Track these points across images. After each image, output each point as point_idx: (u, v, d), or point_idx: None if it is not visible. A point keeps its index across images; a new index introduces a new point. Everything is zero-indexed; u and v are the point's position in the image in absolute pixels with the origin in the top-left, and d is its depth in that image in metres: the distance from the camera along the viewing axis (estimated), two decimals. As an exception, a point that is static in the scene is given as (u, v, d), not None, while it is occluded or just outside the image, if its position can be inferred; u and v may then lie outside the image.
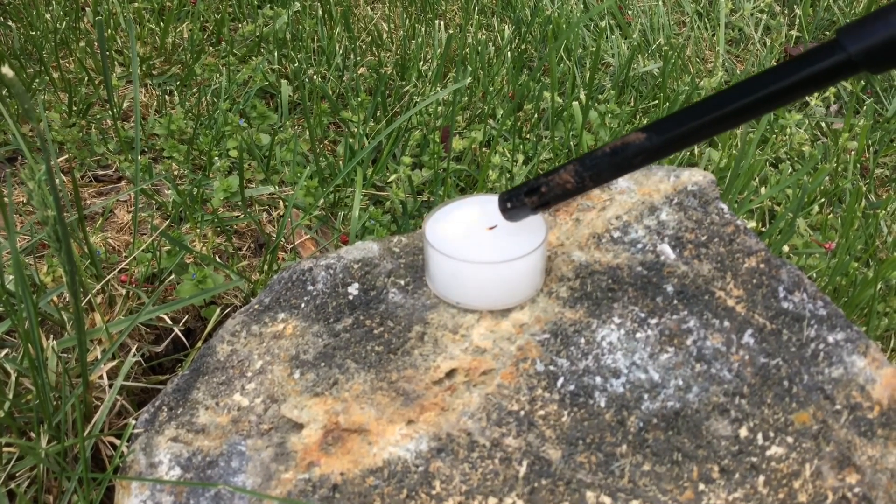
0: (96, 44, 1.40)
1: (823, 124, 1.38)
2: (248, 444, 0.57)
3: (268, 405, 0.59)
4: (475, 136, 1.18)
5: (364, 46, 1.52)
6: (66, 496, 0.59)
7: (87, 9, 1.53)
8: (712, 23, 1.72)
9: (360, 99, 1.26)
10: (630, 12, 1.73)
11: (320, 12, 1.55)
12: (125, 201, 1.05)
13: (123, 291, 0.80)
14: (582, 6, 1.73)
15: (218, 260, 0.91)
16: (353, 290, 0.67)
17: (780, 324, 0.62)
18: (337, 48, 1.46)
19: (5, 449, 0.60)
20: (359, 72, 1.42)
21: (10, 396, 0.62)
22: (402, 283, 0.67)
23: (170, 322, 0.79)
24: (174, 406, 0.60)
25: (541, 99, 1.31)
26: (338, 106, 1.30)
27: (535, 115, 1.30)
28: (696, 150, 1.25)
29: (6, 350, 0.68)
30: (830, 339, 0.61)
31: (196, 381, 0.62)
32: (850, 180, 1.19)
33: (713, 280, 0.65)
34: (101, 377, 0.67)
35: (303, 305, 0.66)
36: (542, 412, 0.57)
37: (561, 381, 0.59)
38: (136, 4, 1.55)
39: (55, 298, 0.76)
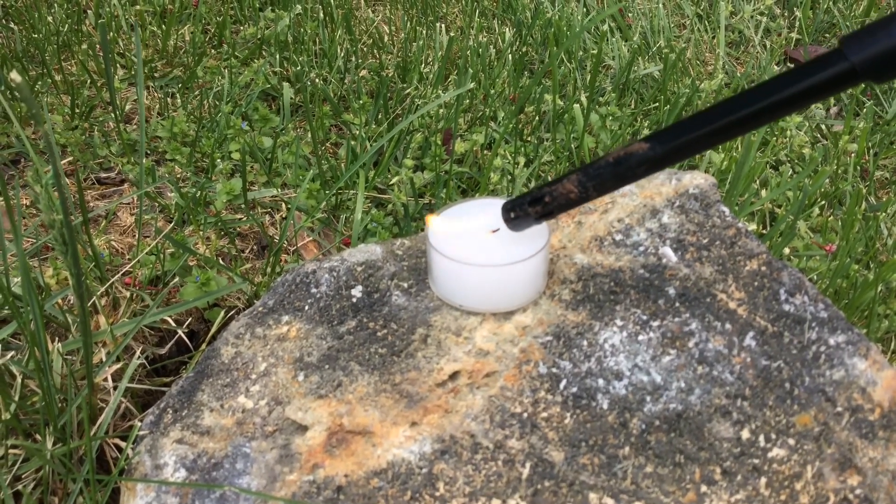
0: (98, 46, 1.40)
1: (823, 127, 1.39)
2: (252, 445, 0.57)
3: (272, 407, 0.59)
4: (477, 139, 1.19)
5: (365, 49, 1.53)
6: (71, 498, 0.59)
7: (88, 11, 1.54)
8: (712, 25, 1.72)
9: (361, 101, 1.26)
10: (630, 15, 1.74)
11: (322, 15, 1.55)
12: (128, 204, 1.05)
13: (127, 294, 0.81)
14: (583, 8, 1.74)
15: (221, 262, 0.92)
16: (357, 292, 0.67)
17: (781, 326, 0.63)
18: (338, 51, 1.46)
19: (11, 451, 0.61)
20: (360, 74, 1.42)
21: (16, 398, 0.62)
22: (406, 285, 0.68)
23: (174, 324, 0.80)
24: (179, 408, 0.60)
25: (542, 101, 1.32)
26: (339, 108, 1.30)
27: (537, 118, 1.30)
28: (697, 152, 1.25)
29: (12, 352, 0.69)
30: (832, 341, 0.62)
31: (200, 383, 0.62)
32: (850, 182, 1.20)
33: (715, 283, 0.66)
34: (105, 379, 0.68)
35: (306, 308, 0.67)
36: (544, 414, 0.58)
37: (563, 383, 0.59)
38: (138, 7, 1.56)
39: (60, 301, 0.76)
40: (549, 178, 1.16)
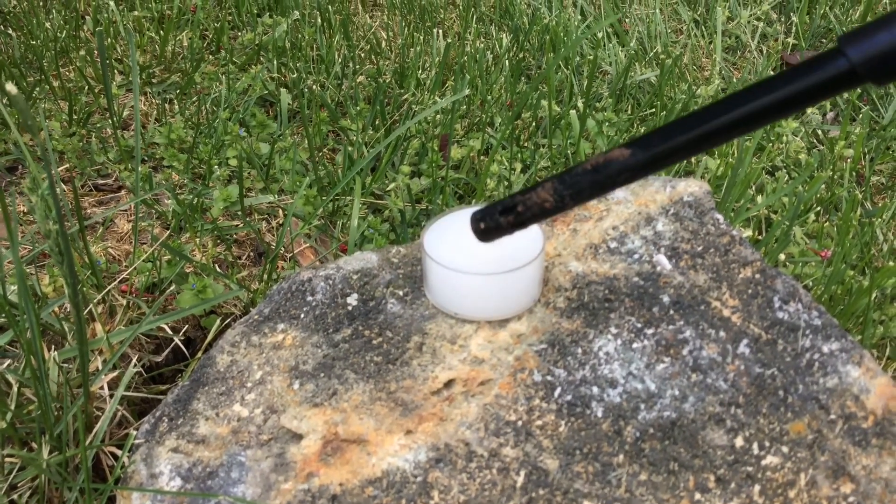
0: (96, 52, 1.40)
1: (820, 132, 1.39)
2: (247, 454, 0.57)
3: (267, 416, 0.60)
4: (473, 145, 1.19)
5: (363, 55, 1.53)
6: (67, 506, 0.60)
7: (87, 18, 1.54)
8: (709, 31, 1.73)
9: (359, 107, 1.27)
10: (627, 21, 1.74)
11: (319, 21, 1.55)
12: (125, 211, 1.05)
13: (124, 301, 0.81)
14: (579, 15, 1.74)
15: (218, 269, 0.92)
16: (352, 300, 0.68)
17: (775, 334, 0.63)
18: (336, 57, 1.46)
19: (7, 459, 0.61)
20: (358, 80, 1.42)
21: (12, 407, 0.62)
22: (401, 293, 0.68)
23: (170, 332, 0.80)
24: (174, 416, 0.61)
25: (539, 107, 1.32)
26: (337, 114, 1.31)
27: (533, 124, 1.31)
28: (694, 158, 1.26)
29: (8, 361, 0.69)
30: (825, 349, 0.62)
31: (196, 391, 0.62)
32: (846, 188, 1.20)
33: (709, 290, 0.66)
34: (102, 387, 0.68)
35: (302, 316, 0.67)
36: (539, 422, 0.58)
37: (558, 391, 0.60)
38: (136, 13, 1.56)
39: (56, 309, 0.76)
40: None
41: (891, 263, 1.01)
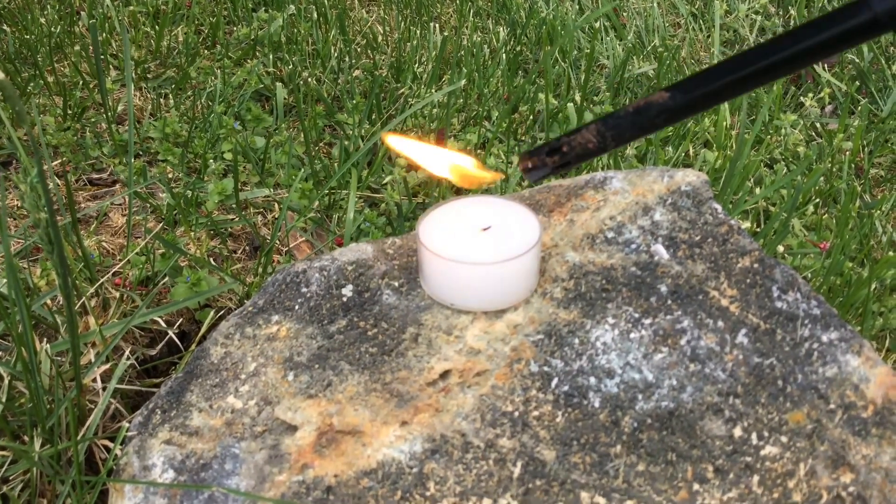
0: (91, 48, 1.40)
1: (818, 125, 1.39)
2: (241, 446, 0.57)
3: (261, 407, 0.59)
4: (470, 139, 1.19)
5: (359, 49, 1.52)
6: (59, 499, 0.59)
7: (81, 13, 1.53)
8: (707, 24, 1.72)
9: (355, 101, 1.26)
10: (625, 14, 1.74)
11: (315, 15, 1.55)
12: (119, 204, 1.05)
13: (117, 294, 0.80)
14: (577, 7, 1.74)
15: (212, 263, 0.91)
16: (347, 291, 0.67)
17: (773, 323, 0.62)
18: (332, 51, 1.46)
19: (-2, 453, 0.60)
20: (354, 74, 1.42)
21: (4, 400, 0.62)
22: (396, 284, 0.67)
23: (164, 325, 0.79)
24: (168, 409, 0.60)
25: (536, 101, 1.32)
26: (333, 108, 1.30)
27: (531, 117, 1.30)
28: (692, 150, 1.25)
29: (-1, 353, 0.68)
30: (824, 338, 0.61)
31: (190, 383, 0.62)
32: (844, 180, 1.19)
33: (707, 280, 0.65)
34: (94, 380, 0.67)
35: (297, 307, 0.66)
36: (536, 413, 0.57)
37: (555, 381, 0.59)
38: (131, 8, 1.55)
39: (49, 301, 0.75)
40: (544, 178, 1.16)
41: (890, 254, 1.00)
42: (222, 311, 0.85)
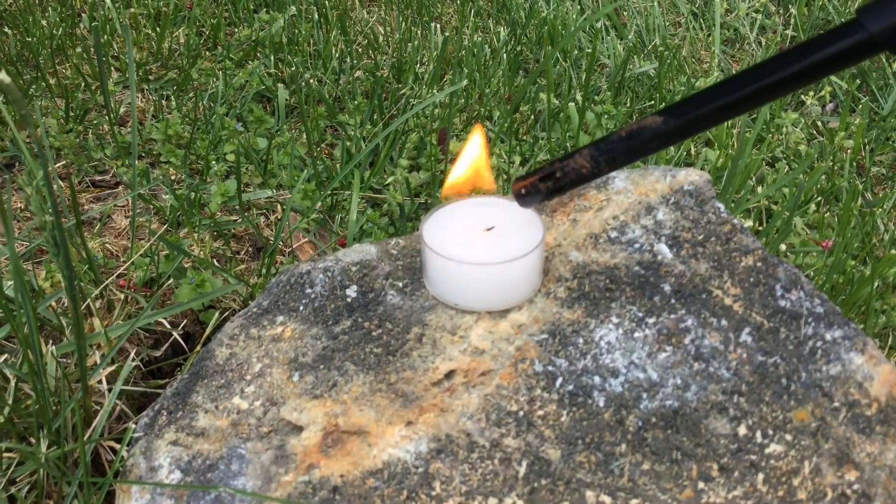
0: (93, 50, 1.40)
1: (819, 123, 1.39)
2: (247, 446, 0.57)
3: (267, 408, 0.59)
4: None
5: (360, 50, 1.53)
6: (66, 501, 0.59)
7: (83, 15, 1.54)
8: (707, 23, 1.72)
9: (356, 102, 1.26)
10: (625, 13, 1.74)
11: (316, 16, 1.55)
12: (123, 206, 1.05)
13: (122, 296, 0.80)
14: (578, 7, 1.74)
15: (216, 264, 0.92)
16: (352, 292, 0.67)
17: (777, 322, 0.62)
18: (333, 52, 1.46)
19: (5, 454, 0.60)
20: (355, 75, 1.42)
21: (10, 402, 0.62)
22: (400, 284, 0.68)
23: (168, 326, 0.79)
24: (174, 410, 0.60)
25: (537, 100, 1.32)
26: (335, 109, 1.30)
27: (532, 117, 1.30)
28: (693, 149, 1.25)
29: (5, 355, 0.68)
30: (828, 336, 0.61)
31: (195, 384, 0.62)
32: (846, 178, 1.19)
33: (710, 279, 0.66)
34: (100, 382, 0.67)
35: (301, 308, 0.66)
36: (541, 412, 0.57)
37: (559, 381, 0.59)
38: (132, 10, 1.55)
39: (54, 303, 0.76)
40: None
41: (892, 252, 1.00)
42: (226, 313, 0.86)
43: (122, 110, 1.27)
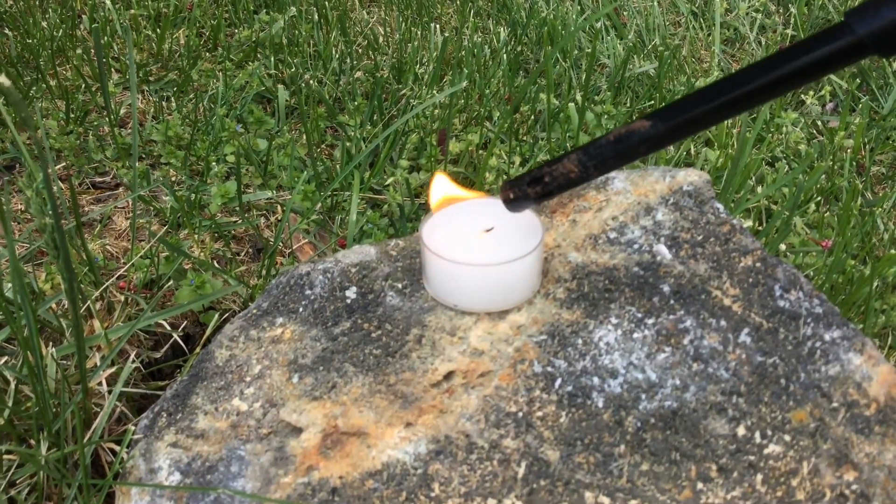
0: (93, 51, 1.40)
1: (819, 123, 1.39)
2: (247, 448, 0.57)
3: (267, 409, 0.59)
4: (472, 139, 1.19)
5: (360, 50, 1.53)
6: (66, 503, 0.59)
7: (83, 16, 1.54)
8: (707, 23, 1.72)
9: (356, 103, 1.26)
10: (625, 13, 1.74)
11: (316, 17, 1.55)
12: (123, 208, 1.05)
13: (122, 298, 0.80)
14: (577, 7, 1.74)
15: (216, 265, 0.92)
16: (351, 293, 0.67)
17: (776, 322, 0.62)
18: (333, 52, 1.46)
19: (5, 456, 0.60)
20: (355, 76, 1.42)
21: (10, 404, 0.62)
22: (400, 286, 0.68)
23: (169, 328, 0.79)
24: (173, 412, 0.60)
25: (537, 101, 1.32)
26: (335, 110, 1.30)
27: (532, 117, 1.30)
28: (693, 149, 1.25)
29: (5, 358, 0.69)
30: (827, 336, 0.62)
31: (195, 386, 0.62)
32: (846, 178, 1.19)
33: (709, 279, 0.66)
34: (100, 383, 0.67)
35: (301, 310, 0.66)
36: (540, 413, 0.57)
37: (559, 381, 0.59)
38: (132, 11, 1.55)
39: (54, 305, 0.76)
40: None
41: (892, 252, 1.00)
42: (226, 314, 0.86)
43: (122, 112, 1.27)
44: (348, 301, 0.67)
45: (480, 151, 1.20)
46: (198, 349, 0.78)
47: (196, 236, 0.95)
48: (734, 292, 0.65)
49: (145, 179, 1.06)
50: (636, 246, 0.69)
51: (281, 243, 0.96)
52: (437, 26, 1.58)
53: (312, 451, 0.56)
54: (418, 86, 1.38)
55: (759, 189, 1.16)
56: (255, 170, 1.13)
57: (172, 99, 1.32)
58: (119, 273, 0.86)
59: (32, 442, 0.61)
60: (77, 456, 0.62)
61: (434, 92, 1.34)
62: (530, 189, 0.58)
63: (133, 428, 0.60)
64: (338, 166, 1.15)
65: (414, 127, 1.24)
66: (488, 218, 0.66)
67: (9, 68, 1.30)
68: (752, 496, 0.53)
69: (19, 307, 0.61)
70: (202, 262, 0.87)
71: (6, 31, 1.43)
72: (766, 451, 0.55)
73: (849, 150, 1.26)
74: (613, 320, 0.63)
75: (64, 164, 1.13)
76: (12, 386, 0.63)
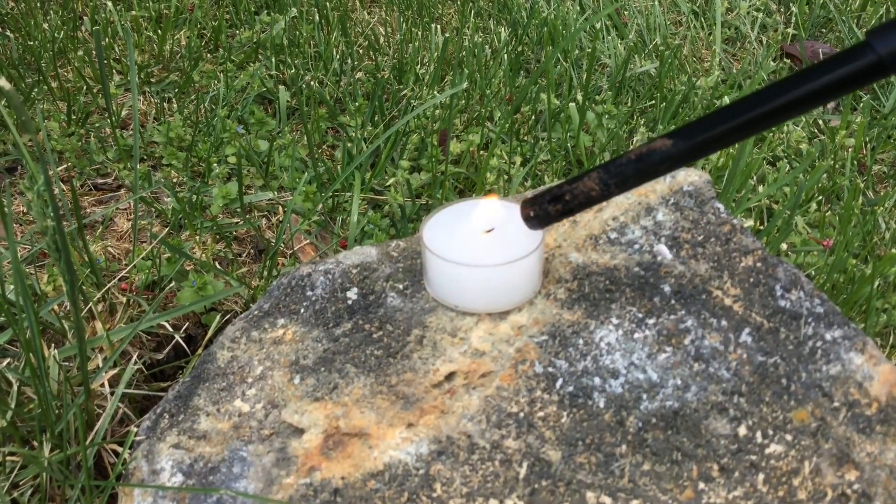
0: (94, 53, 1.40)
1: (820, 122, 1.39)
2: (249, 449, 0.57)
3: (268, 410, 0.59)
4: (473, 139, 1.19)
5: (361, 51, 1.53)
6: (69, 504, 0.59)
7: (84, 18, 1.54)
8: (708, 22, 1.72)
9: (357, 103, 1.26)
10: (626, 13, 1.74)
11: (317, 18, 1.55)
12: (125, 209, 1.05)
13: (124, 299, 0.81)
14: (578, 7, 1.74)
15: (218, 266, 0.92)
16: (352, 294, 0.67)
17: (777, 322, 0.62)
18: (334, 53, 1.46)
19: (8, 458, 0.61)
20: (356, 76, 1.42)
21: (13, 406, 0.62)
22: (401, 287, 0.68)
23: (170, 329, 0.80)
24: (175, 413, 0.60)
25: (538, 101, 1.32)
26: (336, 111, 1.30)
27: (533, 117, 1.30)
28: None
29: (8, 360, 0.69)
30: (828, 336, 0.62)
31: (197, 387, 0.62)
32: (847, 177, 1.19)
33: (710, 279, 0.66)
34: (102, 385, 0.68)
35: (302, 311, 0.67)
36: (541, 413, 0.58)
37: (560, 382, 0.59)
38: (133, 13, 1.56)
39: (56, 307, 0.76)
40: (546, 178, 1.16)
41: (893, 251, 1.00)
42: (228, 315, 0.86)
43: (123, 113, 1.27)
44: (349, 302, 0.67)
45: (481, 152, 1.20)
46: (200, 350, 0.78)
47: (198, 237, 0.96)
48: (735, 292, 0.65)
49: (147, 181, 1.07)
50: (637, 246, 0.69)
51: (282, 244, 0.97)
52: (438, 27, 1.58)
53: (314, 452, 0.56)
54: (419, 86, 1.38)
55: (760, 188, 1.16)
56: (256, 171, 1.13)
57: (174, 100, 1.32)
58: (121, 275, 0.86)
59: (35, 444, 0.61)
60: (80, 457, 0.62)
61: (435, 92, 1.34)
62: (551, 207, 0.58)
63: (135, 429, 0.60)
64: (339, 167, 1.15)
65: (415, 127, 1.24)
66: (489, 218, 0.66)
67: (10, 70, 1.30)
68: (754, 496, 0.53)
69: (21, 309, 0.61)
70: (204, 263, 0.87)
71: (8, 33, 1.44)
72: (767, 451, 0.55)
73: (850, 149, 1.26)
74: (614, 320, 0.63)
75: (65, 165, 1.13)
76: (15, 388, 0.64)
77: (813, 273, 0.98)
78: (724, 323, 0.62)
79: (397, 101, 1.33)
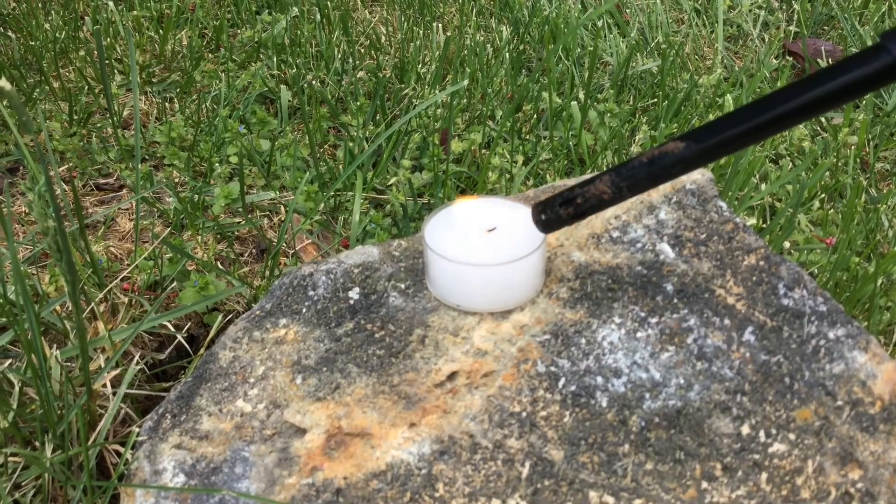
0: (95, 53, 1.40)
1: (823, 119, 1.38)
2: (251, 449, 0.57)
3: (270, 411, 0.59)
4: (474, 138, 1.19)
5: (362, 50, 1.53)
6: (71, 505, 0.59)
7: (86, 18, 1.54)
8: (710, 20, 1.72)
9: (359, 103, 1.26)
10: (628, 11, 1.73)
11: (318, 17, 1.55)
12: (126, 209, 1.05)
13: (126, 299, 0.81)
14: (580, 5, 1.73)
15: (220, 266, 0.92)
16: (354, 294, 0.67)
17: (780, 321, 0.62)
18: (335, 52, 1.46)
19: (11, 459, 0.61)
20: (357, 76, 1.42)
21: (15, 406, 0.62)
22: (403, 286, 0.68)
23: (172, 329, 0.79)
24: (178, 413, 0.60)
25: (540, 99, 1.32)
26: (337, 110, 1.30)
27: (535, 116, 1.30)
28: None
29: (10, 360, 0.69)
30: (831, 335, 0.61)
31: (199, 387, 0.62)
32: (850, 175, 1.19)
33: (713, 278, 0.65)
34: (104, 385, 0.68)
35: (304, 311, 0.66)
36: (543, 413, 0.57)
37: (562, 381, 0.59)
38: (135, 12, 1.56)
39: (58, 308, 0.76)
40: (548, 177, 1.16)
41: (896, 249, 1.00)
42: (230, 315, 0.86)
43: (125, 113, 1.27)
44: (351, 302, 0.67)
45: (483, 151, 1.20)
46: (202, 350, 0.78)
47: (199, 237, 0.96)
48: (738, 291, 0.64)
49: (149, 181, 1.06)
50: (639, 245, 0.69)
51: (284, 244, 0.96)
52: (440, 25, 1.58)
53: (316, 452, 0.56)
54: (420, 85, 1.38)
55: (763, 186, 1.16)
56: (258, 170, 1.13)
57: (175, 100, 1.32)
58: (123, 275, 0.86)
59: (37, 444, 0.61)
60: (82, 458, 0.62)
61: (436, 91, 1.34)
62: (562, 210, 0.57)
63: (137, 430, 0.60)
64: (340, 166, 1.15)
65: (416, 126, 1.24)
66: (491, 218, 0.66)
67: (12, 70, 1.30)
68: (757, 495, 0.53)
69: (23, 309, 0.61)
70: (206, 263, 0.87)
71: (9, 33, 1.44)
72: (770, 450, 0.55)
73: (853, 147, 1.25)
74: (617, 319, 0.63)
75: (67, 165, 1.13)
76: (17, 388, 0.63)
77: (816, 271, 0.98)
78: (726, 322, 0.62)
79: (399, 100, 1.33)
